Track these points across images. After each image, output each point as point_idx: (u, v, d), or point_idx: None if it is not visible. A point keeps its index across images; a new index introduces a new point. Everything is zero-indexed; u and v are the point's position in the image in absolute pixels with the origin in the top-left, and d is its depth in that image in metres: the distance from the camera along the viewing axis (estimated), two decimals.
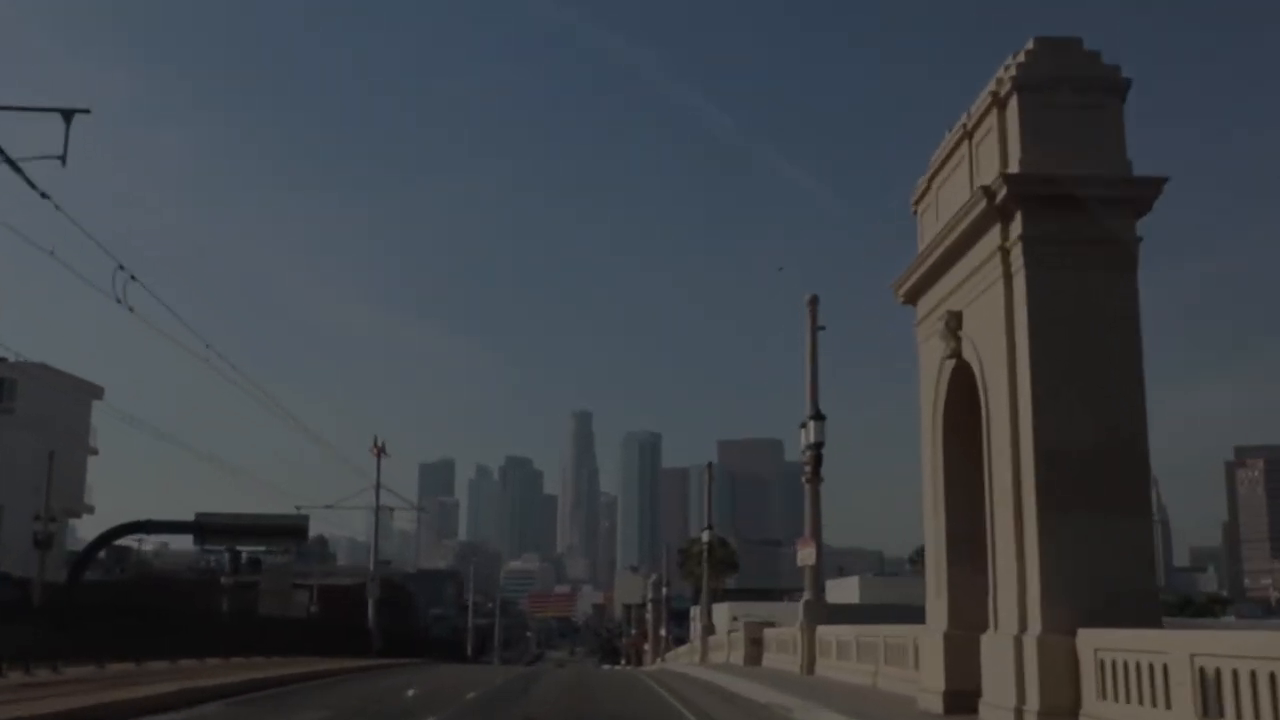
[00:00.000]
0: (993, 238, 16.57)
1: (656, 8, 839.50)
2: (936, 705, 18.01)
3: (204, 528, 77.62)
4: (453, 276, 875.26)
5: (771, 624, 43.85)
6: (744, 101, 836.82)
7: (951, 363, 18.45)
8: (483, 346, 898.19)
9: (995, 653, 15.70)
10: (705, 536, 61.70)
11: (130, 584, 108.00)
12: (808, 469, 32.41)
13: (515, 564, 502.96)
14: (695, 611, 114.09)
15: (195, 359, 30.44)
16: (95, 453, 79.70)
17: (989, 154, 16.96)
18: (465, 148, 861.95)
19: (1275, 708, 10.08)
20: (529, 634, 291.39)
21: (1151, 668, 12.38)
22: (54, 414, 70.18)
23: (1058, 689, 14.22)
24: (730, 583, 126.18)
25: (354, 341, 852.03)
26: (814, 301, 33.40)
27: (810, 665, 31.16)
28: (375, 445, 68.27)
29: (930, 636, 18.92)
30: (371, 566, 72.24)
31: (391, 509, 70.01)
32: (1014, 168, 16.05)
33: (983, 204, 16.39)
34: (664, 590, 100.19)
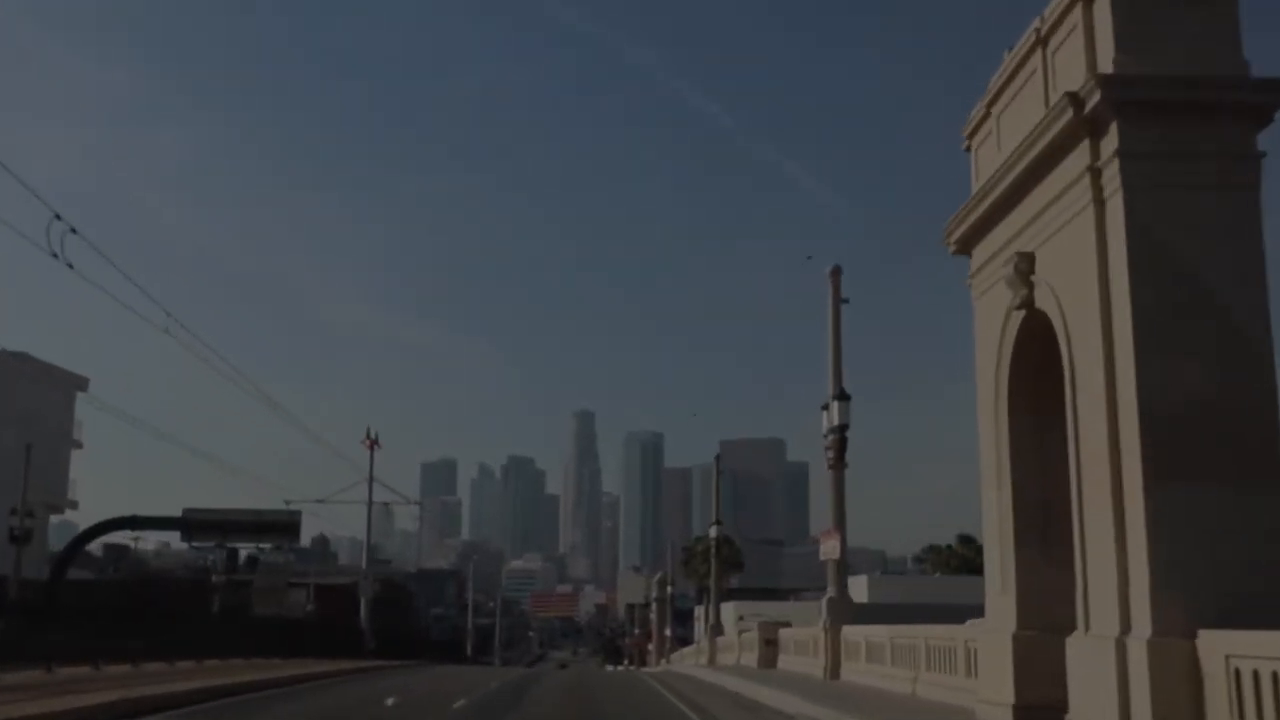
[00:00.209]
0: (1079, 157, 13.72)
1: (656, 7, 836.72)
2: None
3: (191, 524, 75.05)
4: (454, 275, 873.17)
5: (787, 623, 41.08)
6: (745, 100, 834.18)
7: (1020, 314, 15.59)
8: (484, 346, 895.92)
9: (1087, 659, 12.85)
10: (713, 532, 58.89)
11: (120, 583, 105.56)
12: (830, 454, 29.53)
13: (517, 563, 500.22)
14: (700, 611, 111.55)
15: (154, 329, 27.66)
16: (79, 446, 76.80)
17: (1071, 59, 14.09)
18: (466, 146, 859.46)
19: None
20: (531, 634, 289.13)
21: None
22: (35, 406, 67.35)
23: (1175, 705, 11.37)
24: (733, 582, 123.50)
25: (355, 341, 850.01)
26: (836, 273, 30.55)
27: (835, 669, 28.29)
28: (368, 437, 65.32)
29: (993, 639, 16.06)
30: (364, 564, 69.26)
31: (387, 503, 67.05)
32: (1107, 69, 13.21)
33: (1068, 115, 13.53)
34: (669, 589, 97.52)
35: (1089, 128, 13.45)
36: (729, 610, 68.74)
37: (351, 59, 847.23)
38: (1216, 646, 11.10)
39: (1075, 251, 13.81)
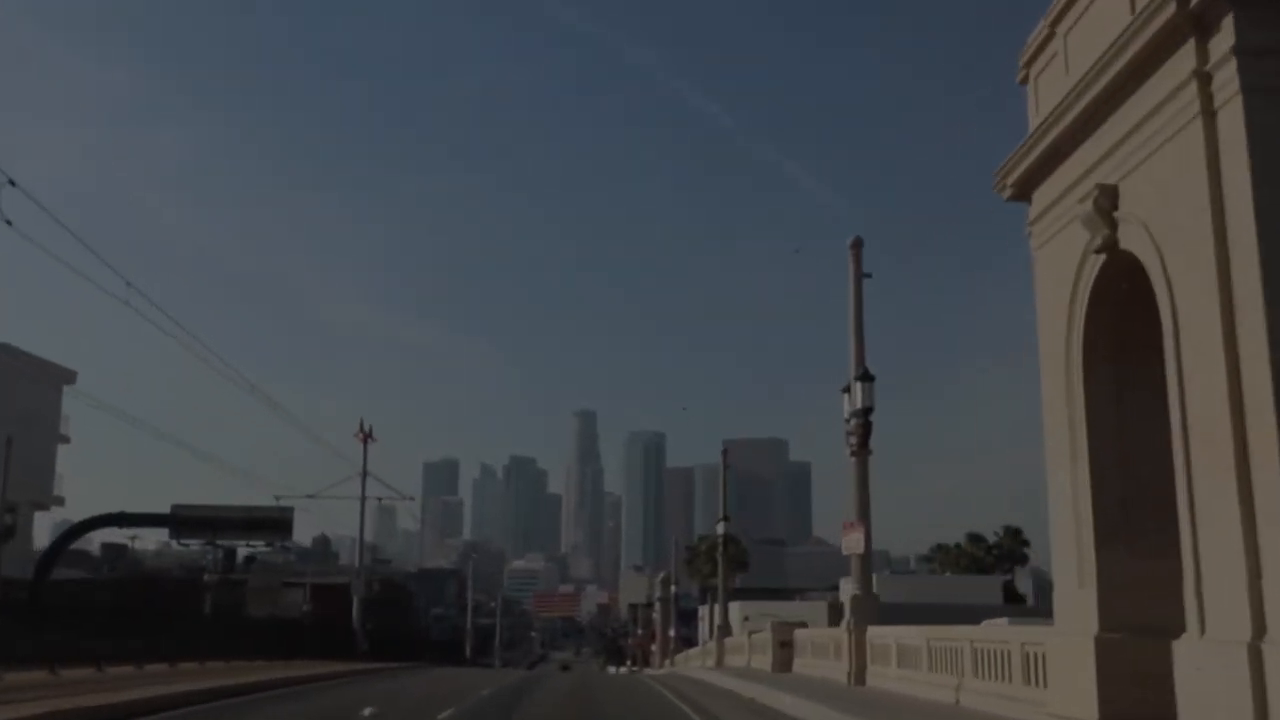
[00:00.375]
0: (1181, 62, 11.38)
1: (656, 7, 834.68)
2: None
3: (180, 520, 72.78)
4: (455, 275, 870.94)
5: (802, 624, 38.73)
6: (744, 100, 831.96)
7: (1099, 259, 13.24)
8: (486, 346, 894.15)
9: (1206, 668, 10.49)
10: (721, 528, 56.50)
11: (113, 583, 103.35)
12: (853, 440, 27.13)
13: (519, 563, 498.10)
14: (704, 611, 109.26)
15: (113, 300, 25.39)
16: (66, 441, 74.53)
17: None
18: (466, 146, 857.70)
19: None
20: (533, 634, 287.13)
21: None
22: (19, 399, 65.02)
23: None
24: (737, 582, 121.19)
25: (357, 341, 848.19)
26: (857, 245, 28.15)
27: (860, 673, 25.91)
28: (361, 430, 62.82)
29: (1069, 642, 13.68)
30: (357, 562, 66.93)
31: (381, 499, 64.61)
32: None
33: (1168, 12, 11.20)
34: (673, 588, 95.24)
35: (1195, 25, 11.12)
36: (734, 610, 66.32)
37: (351, 59, 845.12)
38: None
39: (1176, 178, 11.47)
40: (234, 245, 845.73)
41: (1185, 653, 10.96)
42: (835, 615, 73.60)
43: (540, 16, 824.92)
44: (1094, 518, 13.28)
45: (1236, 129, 10.66)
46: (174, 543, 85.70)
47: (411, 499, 66.99)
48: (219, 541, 74.54)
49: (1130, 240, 12.54)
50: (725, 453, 57.07)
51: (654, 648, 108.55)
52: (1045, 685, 15.14)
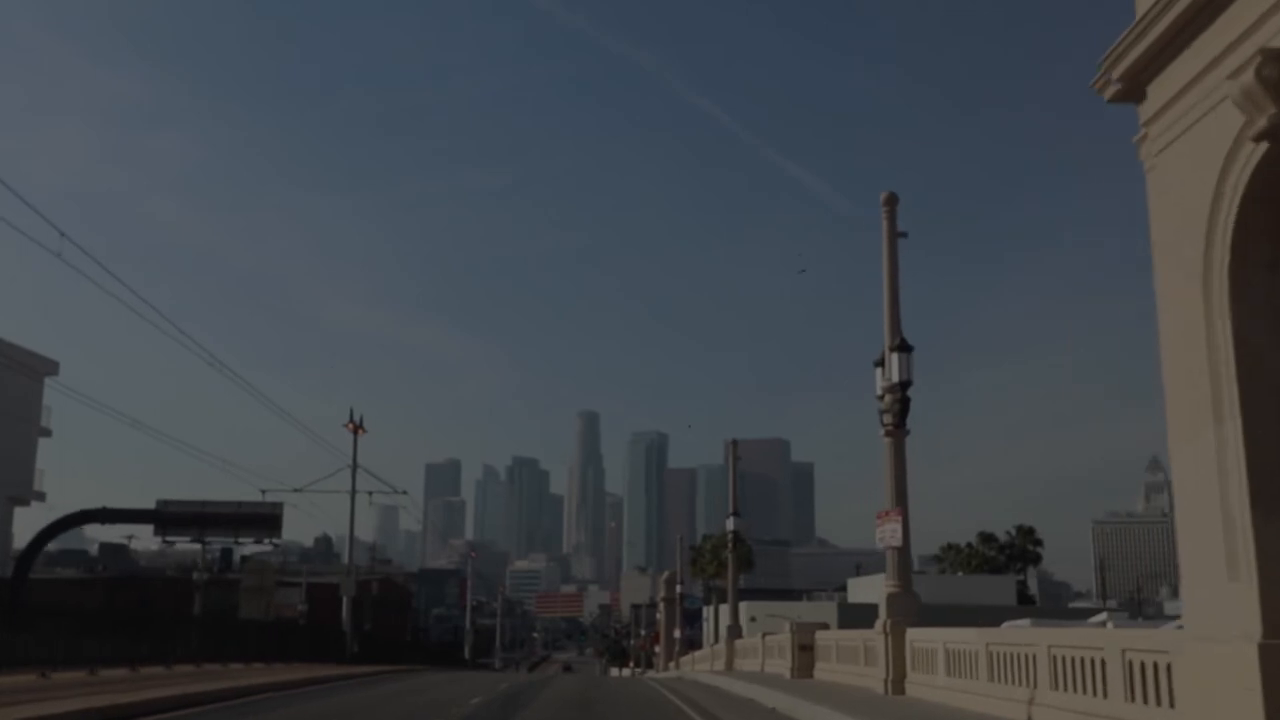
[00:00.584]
0: None
1: (663, 11, 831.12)
2: None
3: (165, 517, 69.75)
4: (457, 276, 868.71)
5: (823, 624, 35.66)
6: (749, 101, 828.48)
7: (1259, 148, 10.13)
8: (489, 347, 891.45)
9: None
10: (730, 524, 53.40)
11: (100, 582, 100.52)
12: (888, 418, 24.04)
13: (522, 564, 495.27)
14: (708, 612, 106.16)
15: (47, 254, 22.43)
16: (48, 434, 71.37)
17: None
18: (469, 147, 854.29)
19: None
20: (535, 635, 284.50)
21: None
22: None
23: None
24: (741, 582, 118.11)
25: (358, 342, 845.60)
26: (891, 201, 25.05)
27: (899, 681, 22.81)
28: (351, 421, 59.64)
29: (1214, 650, 10.57)
30: (347, 558, 63.63)
31: (371, 493, 61.45)
32: None
33: None
34: (678, 588, 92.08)
35: None
36: (741, 611, 63.25)
37: (355, 61, 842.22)
38: None
39: None
40: (235, 245, 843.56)
41: None
42: (846, 616, 70.67)
43: (545, 20, 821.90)
44: (1250, 491, 10.16)
45: None
46: (174, 543, 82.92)
47: (405, 493, 63.85)
48: (207, 539, 71.49)
49: None
50: (734, 443, 53.95)
51: (658, 649, 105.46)
52: (1162, 703, 12.07)
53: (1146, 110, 12.28)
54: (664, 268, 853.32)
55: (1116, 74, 12.45)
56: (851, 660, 28.10)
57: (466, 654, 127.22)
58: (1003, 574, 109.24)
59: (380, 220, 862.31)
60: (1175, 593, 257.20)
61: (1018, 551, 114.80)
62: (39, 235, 23.79)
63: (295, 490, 58.92)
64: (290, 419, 54.26)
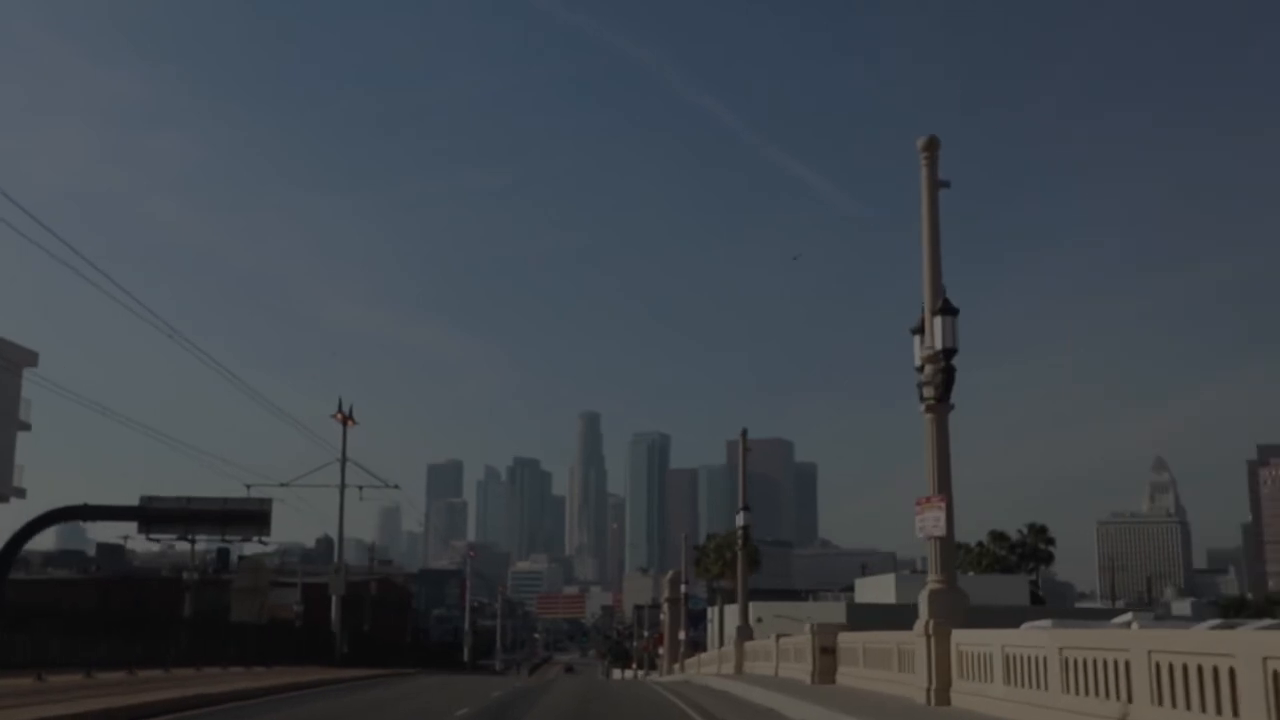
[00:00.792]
0: None
1: (662, 8, 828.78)
2: None
3: (149, 514, 66.48)
4: (457, 276, 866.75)
5: (843, 625, 32.81)
6: (748, 100, 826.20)
7: None
8: (490, 348, 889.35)
9: None
10: (741, 519, 50.49)
11: (91, 583, 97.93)
12: (929, 391, 21.15)
13: (524, 565, 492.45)
14: (712, 613, 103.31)
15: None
16: (27, 428, 68.46)
17: None
18: (470, 146, 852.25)
19: None
20: (537, 635, 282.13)
21: None
22: None
23: None
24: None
25: (359, 342, 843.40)
26: (932, 145, 22.20)
27: (943, 691, 19.95)
28: (340, 411, 56.68)
29: None
30: (336, 557, 60.75)
31: (362, 488, 58.51)
32: None
33: None
34: (683, 588, 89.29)
35: None
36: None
37: (355, 60, 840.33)
38: None
39: None
40: (235, 246, 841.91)
41: None
42: (855, 616, 67.68)
43: (545, 18, 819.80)
44: None
45: None
46: (161, 540, 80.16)
47: (396, 487, 60.91)
48: (194, 537, 68.37)
49: None
50: (744, 433, 51.16)
51: (662, 651, 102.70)
52: None
53: None
54: (664, 268, 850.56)
55: None
56: (882, 665, 25.24)
57: (465, 656, 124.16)
58: (1014, 574, 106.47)
59: (380, 220, 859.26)
60: (1181, 593, 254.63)
61: (1029, 550, 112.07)
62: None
63: (282, 485, 55.96)
64: (269, 404, 51.40)
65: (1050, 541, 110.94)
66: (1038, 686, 16.31)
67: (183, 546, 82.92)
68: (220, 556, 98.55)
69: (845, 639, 29.38)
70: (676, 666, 78.27)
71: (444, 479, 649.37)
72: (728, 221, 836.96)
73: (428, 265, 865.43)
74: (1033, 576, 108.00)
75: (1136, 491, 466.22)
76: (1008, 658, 17.55)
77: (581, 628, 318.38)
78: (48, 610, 39.31)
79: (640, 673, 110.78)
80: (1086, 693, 14.67)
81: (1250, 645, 11.03)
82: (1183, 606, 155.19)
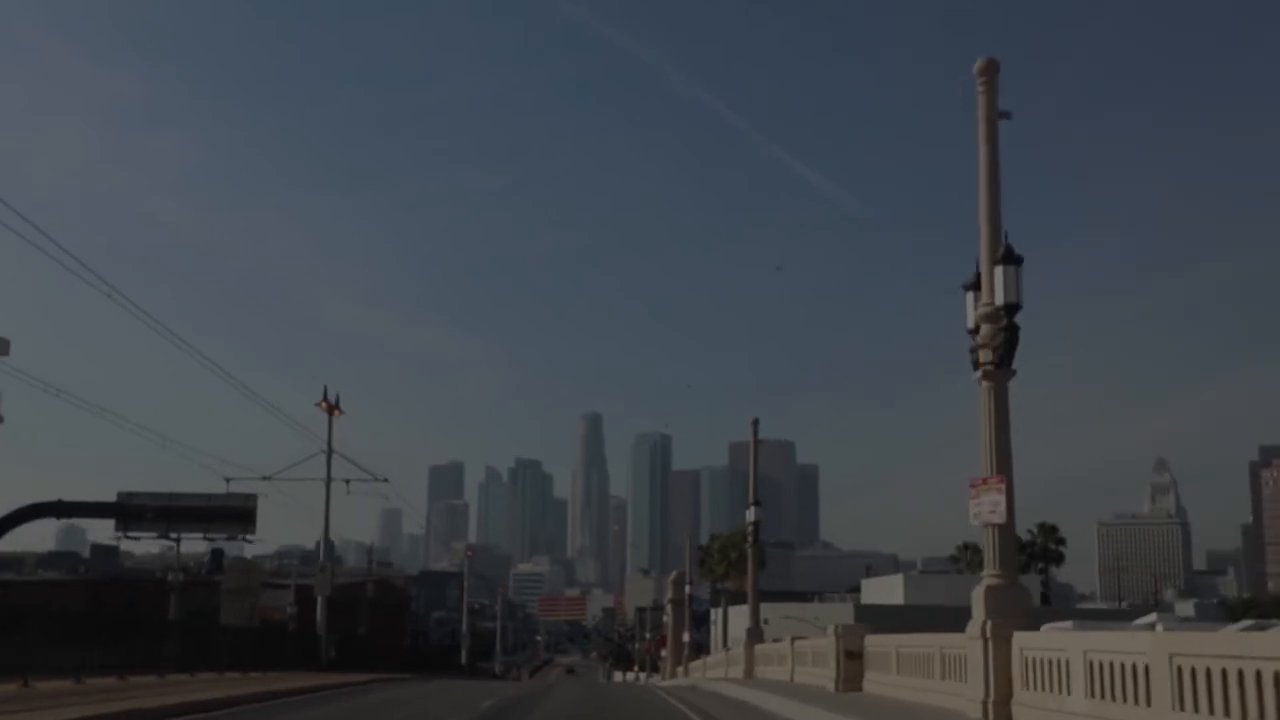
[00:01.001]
0: None
1: (664, 7, 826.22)
2: None
3: (128, 510, 63.86)
4: (457, 276, 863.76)
5: (867, 627, 29.75)
6: (751, 100, 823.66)
7: None
8: (491, 349, 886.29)
9: None
10: (751, 514, 47.54)
11: (78, 584, 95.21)
12: (988, 355, 18.12)
13: (525, 567, 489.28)
14: (716, 614, 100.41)
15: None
16: None
17: None
18: (470, 146, 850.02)
19: None
20: (538, 638, 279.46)
21: None
22: None
23: None
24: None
25: (360, 343, 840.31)
26: (989, 69, 19.12)
27: (1003, 704, 16.94)
28: (325, 400, 53.62)
29: None
30: (322, 555, 57.62)
31: (349, 481, 55.50)
32: None
33: None
34: (687, 589, 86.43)
35: None
36: (747, 612, 57.19)
37: (355, 60, 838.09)
38: None
39: None
40: (235, 246, 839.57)
41: None
42: (863, 618, 64.61)
43: (546, 16, 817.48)
44: None
45: None
46: (173, 545, 77.16)
47: (385, 480, 57.91)
48: (176, 534, 65.57)
49: None
50: (756, 422, 48.19)
51: (664, 653, 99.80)
52: None
53: None
54: (664, 268, 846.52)
55: None
56: (920, 672, 22.21)
57: (463, 659, 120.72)
58: (1024, 574, 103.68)
59: (380, 220, 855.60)
60: (1183, 594, 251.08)
61: (1039, 550, 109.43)
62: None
63: (265, 479, 52.94)
64: (260, 400, 48.47)
65: (1061, 541, 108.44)
66: (1132, 701, 13.26)
67: (188, 549, 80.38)
68: (214, 557, 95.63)
69: (873, 641, 26.35)
70: (680, 669, 75.41)
71: (445, 480, 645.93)
72: (728, 221, 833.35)
73: (428, 265, 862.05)
74: (1043, 576, 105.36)
75: (1137, 492, 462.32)
76: (1090, 665, 14.51)
77: (583, 630, 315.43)
78: (36, 612, 37.23)
79: (643, 675, 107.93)
80: (1203, 710, 11.66)
81: None
82: (1185, 608, 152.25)
